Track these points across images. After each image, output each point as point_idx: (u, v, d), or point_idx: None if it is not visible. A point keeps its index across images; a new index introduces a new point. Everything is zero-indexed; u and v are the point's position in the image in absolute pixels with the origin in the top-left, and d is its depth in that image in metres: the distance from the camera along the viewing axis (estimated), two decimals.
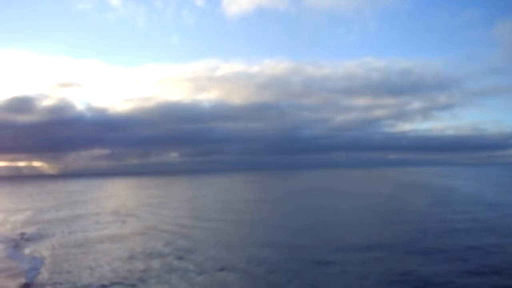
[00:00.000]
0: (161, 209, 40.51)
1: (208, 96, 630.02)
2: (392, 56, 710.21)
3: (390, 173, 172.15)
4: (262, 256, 18.31)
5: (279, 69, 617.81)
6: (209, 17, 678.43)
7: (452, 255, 17.71)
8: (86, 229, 28.10)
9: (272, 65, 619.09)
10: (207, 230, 26.48)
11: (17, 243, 23.22)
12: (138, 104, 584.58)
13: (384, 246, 19.93)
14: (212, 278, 15.21)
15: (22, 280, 15.22)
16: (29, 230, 27.88)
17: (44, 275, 16.03)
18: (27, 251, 20.95)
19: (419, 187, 70.08)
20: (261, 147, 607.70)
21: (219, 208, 41.44)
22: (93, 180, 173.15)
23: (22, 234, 26.13)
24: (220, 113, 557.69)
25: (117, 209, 41.33)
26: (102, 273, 16.14)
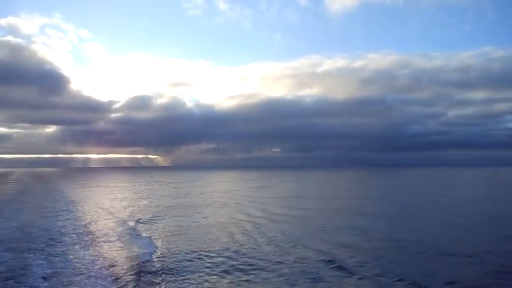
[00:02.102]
0: (257, 199, 44.50)
1: (310, 92, 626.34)
2: None
3: None
4: (326, 238, 21.70)
5: (385, 63, 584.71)
6: (311, 15, 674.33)
7: None
8: (192, 215, 31.53)
9: (377, 59, 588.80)
10: (294, 217, 29.79)
11: (134, 227, 25.78)
12: (242, 101, 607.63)
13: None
14: (282, 250, 18.90)
15: (139, 260, 16.75)
16: (145, 215, 30.95)
17: (157, 254, 18.15)
18: (143, 233, 23.17)
19: None
20: (364, 144, 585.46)
21: (313, 201, 42.89)
22: (200, 172, 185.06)
23: (139, 219, 28.81)
24: (322, 108, 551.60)
25: (219, 198, 45.72)
26: (202, 251, 18.81)
